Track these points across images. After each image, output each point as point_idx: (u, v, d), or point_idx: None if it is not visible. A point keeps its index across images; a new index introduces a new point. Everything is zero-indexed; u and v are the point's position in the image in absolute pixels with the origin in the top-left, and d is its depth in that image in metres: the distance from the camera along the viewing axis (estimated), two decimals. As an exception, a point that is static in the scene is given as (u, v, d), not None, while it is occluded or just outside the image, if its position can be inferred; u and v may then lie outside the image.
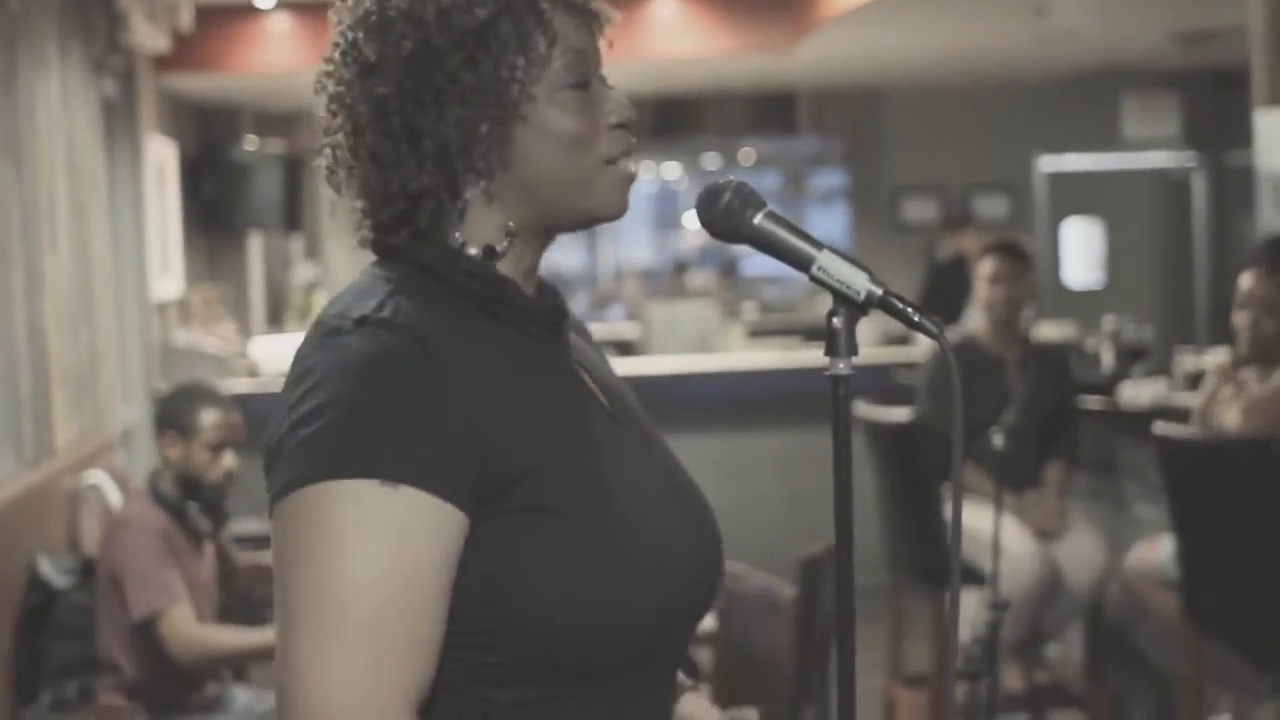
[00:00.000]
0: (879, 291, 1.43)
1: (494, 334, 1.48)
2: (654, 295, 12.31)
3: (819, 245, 1.46)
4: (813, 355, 8.22)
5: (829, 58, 8.89)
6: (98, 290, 6.22)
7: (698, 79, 9.95)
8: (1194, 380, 5.86)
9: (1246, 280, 4.52)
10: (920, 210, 11.14)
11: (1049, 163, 11.47)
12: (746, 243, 1.49)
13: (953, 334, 6.07)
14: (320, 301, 9.49)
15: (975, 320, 5.45)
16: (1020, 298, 5.28)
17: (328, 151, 1.52)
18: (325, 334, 1.42)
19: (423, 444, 1.35)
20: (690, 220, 14.24)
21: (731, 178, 1.52)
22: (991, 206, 11.20)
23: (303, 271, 10.27)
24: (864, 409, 5.48)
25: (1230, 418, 4.52)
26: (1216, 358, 5.30)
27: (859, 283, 1.43)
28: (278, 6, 7.90)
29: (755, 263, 14.08)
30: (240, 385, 7.53)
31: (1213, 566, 4.34)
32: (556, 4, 1.49)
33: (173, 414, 4.13)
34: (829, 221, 12.94)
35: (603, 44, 1.56)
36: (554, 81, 1.48)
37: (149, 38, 6.89)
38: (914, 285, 9.55)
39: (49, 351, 5.39)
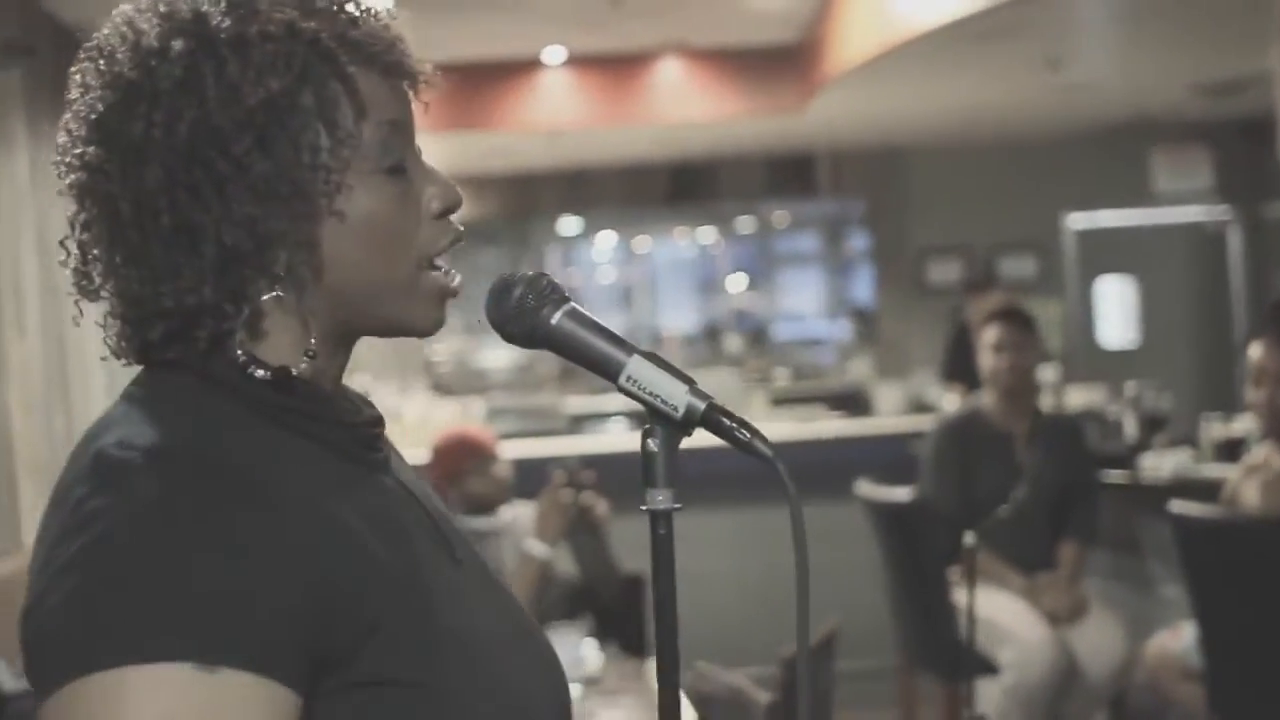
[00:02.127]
0: (701, 406, 1.15)
1: (310, 459, 1.23)
2: (689, 362, 12.13)
3: (629, 350, 1.21)
4: (831, 425, 8.02)
5: (842, 116, 8.68)
6: (74, 375, 6.00)
7: (710, 142, 9.77)
8: (1222, 450, 5.53)
9: (1255, 351, 4.19)
10: (945, 272, 10.86)
11: (1078, 220, 11.17)
12: (544, 347, 1.23)
13: (960, 406, 5.77)
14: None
15: (983, 393, 5.15)
16: (1026, 366, 4.99)
17: (74, 250, 1.25)
18: (106, 469, 1.14)
19: (246, 612, 1.09)
20: (733, 284, 14.11)
21: (527, 270, 1.26)
22: (1019, 267, 10.91)
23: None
24: (866, 488, 5.21)
25: (1249, 496, 4.18)
26: (1247, 427, 4.99)
27: (677, 396, 1.17)
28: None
29: (789, 327, 13.90)
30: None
31: (1237, 656, 4.02)
32: (363, 65, 1.24)
33: None
34: (855, 285, 12.71)
35: (417, 109, 1.30)
36: (365, 164, 1.23)
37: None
38: (939, 350, 9.25)
39: (13, 440, 5.16)
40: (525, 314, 1.24)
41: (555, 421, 9.51)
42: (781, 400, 9.84)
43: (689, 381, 1.19)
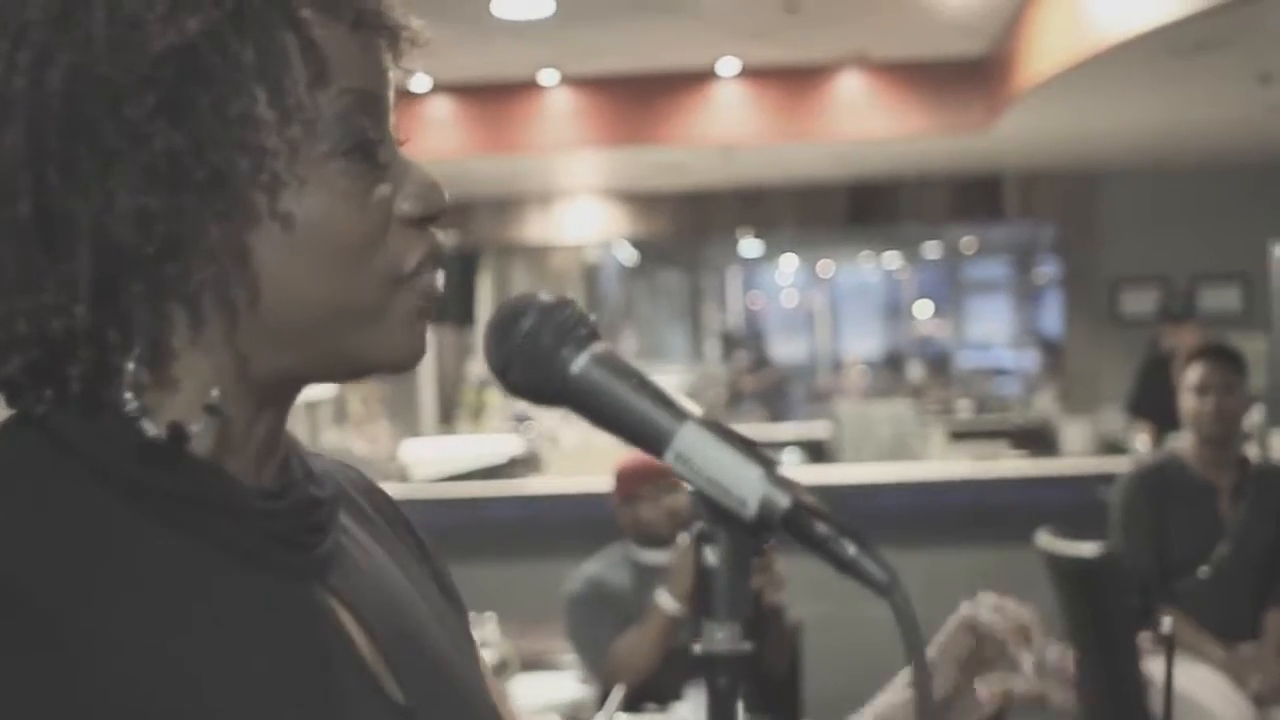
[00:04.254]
0: (784, 502, 0.76)
1: (176, 568, 0.88)
2: (869, 391, 11.79)
3: (680, 415, 0.81)
4: (1012, 464, 7.54)
5: (1032, 135, 8.21)
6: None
7: (892, 161, 9.35)
8: None
9: None
10: (1140, 302, 10.32)
11: (1288, 249, 10.48)
12: (559, 403, 0.86)
13: (1156, 452, 5.26)
14: (494, 401, 9.05)
15: (1182, 437, 4.65)
16: (1234, 411, 4.49)
17: None
18: None
19: None
20: (918, 310, 13.68)
21: (541, 295, 0.88)
22: (1221, 298, 10.30)
23: (476, 368, 9.83)
24: (1047, 540, 4.73)
25: None
26: None
27: (748, 485, 0.78)
28: (435, 90, 7.46)
29: (973, 356, 13.44)
30: (388, 490, 7.07)
31: None
32: (325, 12, 0.89)
33: None
34: (1043, 314, 12.18)
35: (399, 78, 0.94)
36: (320, 147, 0.88)
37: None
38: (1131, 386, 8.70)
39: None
40: (537, 358, 0.86)
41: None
42: (961, 434, 9.43)
43: (767, 464, 0.81)
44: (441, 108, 7.63)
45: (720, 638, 0.80)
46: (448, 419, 9.61)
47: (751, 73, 7.83)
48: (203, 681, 0.84)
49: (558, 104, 7.58)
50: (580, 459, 7.30)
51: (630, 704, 4.15)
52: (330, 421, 7.61)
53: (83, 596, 0.84)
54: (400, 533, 1.12)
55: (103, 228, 0.84)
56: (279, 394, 0.93)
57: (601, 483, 4.86)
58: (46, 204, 0.85)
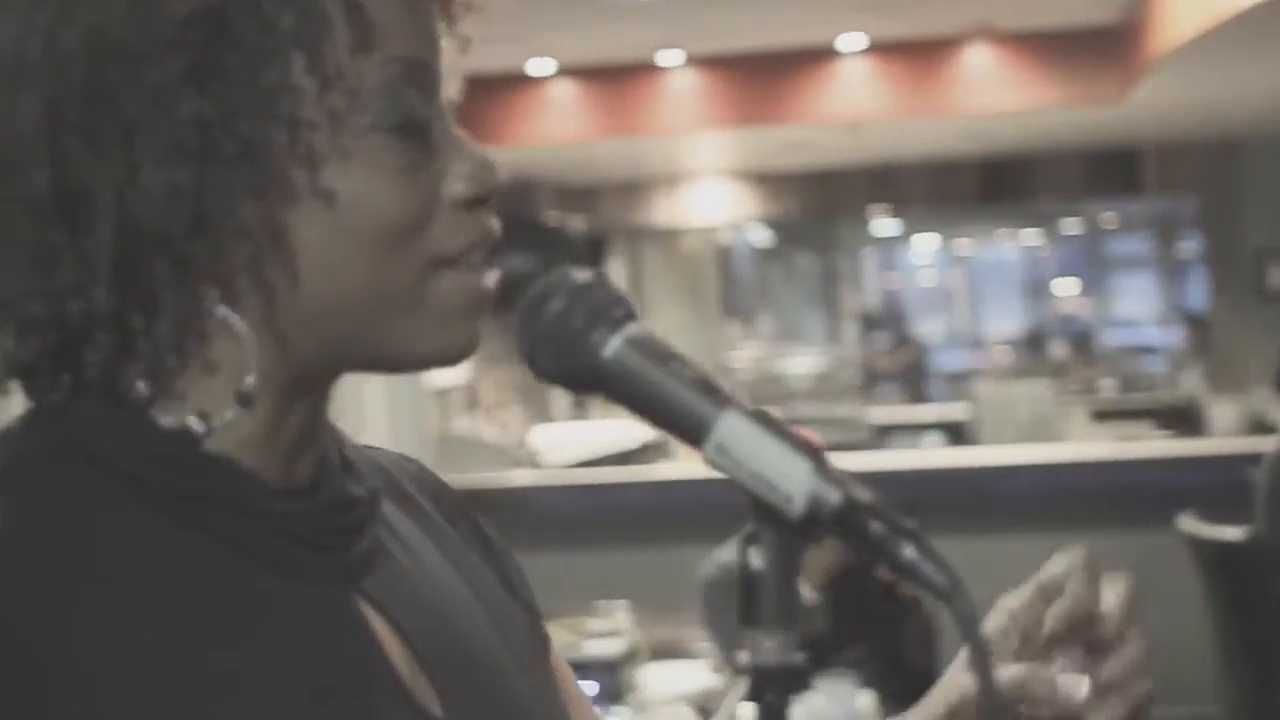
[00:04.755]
0: (835, 498, 0.68)
1: (193, 572, 0.82)
2: (1011, 371, 11.61)
3: (722, 402, 0.73)
4: (1157, 445, 7.33)
5: (1170, 105, 7.98)
6: (354, 379, 5.80)
7: (1024, 135, 9.16)
8: None
9: None
10: (1288, 275, 9.98)
11: None
12: (591, 391, 0.79)
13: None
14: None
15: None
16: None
17: None
18: None
19: None
20: (1060, 288, 13.43)
21: (574, 274, 0.81)
22: (1373, 270, 9.94)
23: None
24: (1190, 524, 4.58)
25: None
26: None
27: (795, 479, 0.70)
28: (558, 74, 7.42)
29: (1117, 334, 13.18)
30: (519, 477, 7.07)
31: None
32: None
33: None
34: (1188, 289, 11.89)
35: (453, 46, 0.87)
36: (363, 119, 0.81)
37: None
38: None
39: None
40: (567, 341, 0.79)
41: (858, 433, 9.06)
42: (1105, 414, 9.23)
43: (815, 457, 0.72)
44: (564, 91, 7.59)
45: (768, 648, 0.72)
46: (581, 404, 9.59)
47: (876, 47, 7.69)
48: (213, 701, 0.78)
49: (680, 84, 7.51)
50: (709, 444, 7.24)
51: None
52: (462, 408, 7.61)
53: (77, 619, 0.78)
54: (464, 531, 1.05)
55: (124, 203, 0.78)
56: (312, 385, 0.87)
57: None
58: (65, 177, 0.79)
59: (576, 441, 7.50)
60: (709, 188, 10.24)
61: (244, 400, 0.82)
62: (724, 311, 12.17)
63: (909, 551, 0.70)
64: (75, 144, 0.79)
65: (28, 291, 0.80)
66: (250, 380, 0.82)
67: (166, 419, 0.82)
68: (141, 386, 0.82)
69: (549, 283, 0.81)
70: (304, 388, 0.86)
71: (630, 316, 0.79)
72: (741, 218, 10.87)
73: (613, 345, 0.78)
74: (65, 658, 0.76)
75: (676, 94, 7.53)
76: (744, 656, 0.73)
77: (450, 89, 0.87)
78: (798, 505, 0.71)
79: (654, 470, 7.24)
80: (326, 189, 0.80)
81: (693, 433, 0.75)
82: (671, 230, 10.93)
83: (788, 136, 8.43)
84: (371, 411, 6.09)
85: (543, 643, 1.02)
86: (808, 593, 3.80)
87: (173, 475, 0.82)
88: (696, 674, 4.52)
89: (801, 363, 11.53)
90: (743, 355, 10.77)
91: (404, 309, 0.83)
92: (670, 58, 7.46)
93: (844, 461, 0.76)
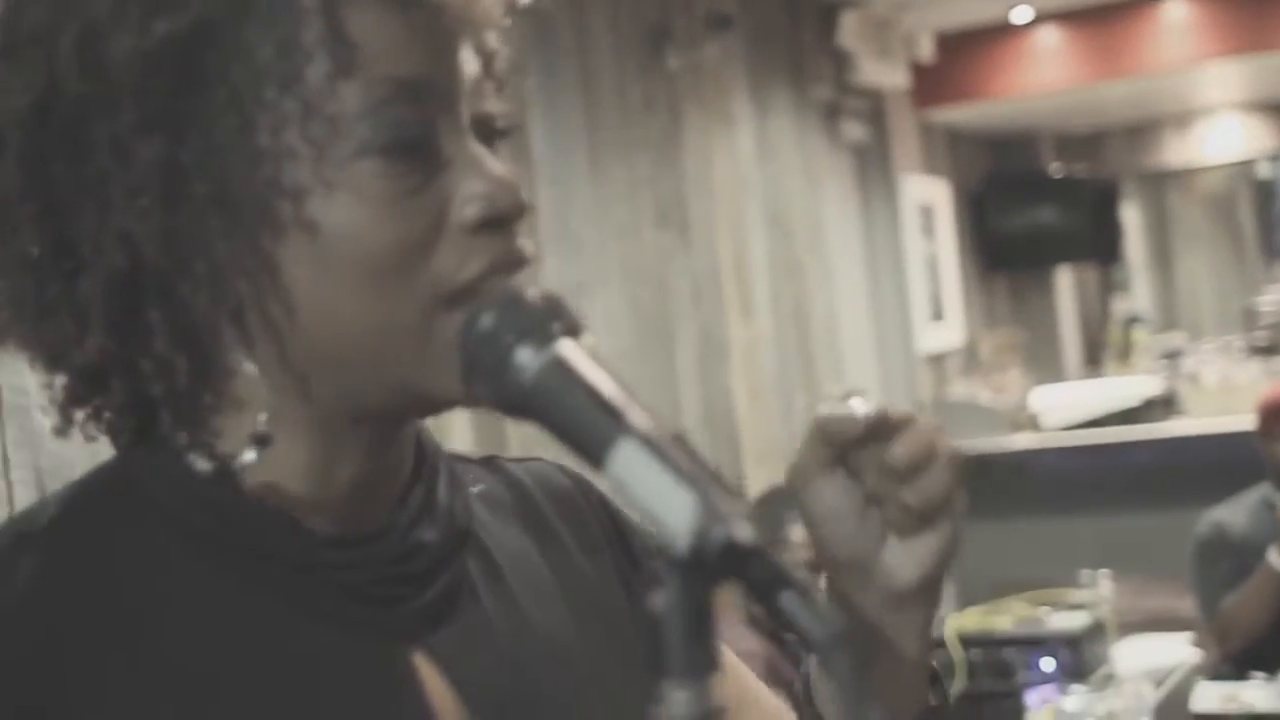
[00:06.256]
0: (721, 536, 0.60)
1: (228, 626, 0.82)
2: None
3: (623, 429, 0.65)
4: None
5: None
6: (820, 352, 5.79)
7: None
8: None
9: None
10: None
11: None
12: (517, 415, 0.73)
13: None
14: (1142, 340, 8.59)
15: None
16: None
17: None
18: None
19: None
20: None
21: (514, 289, 0.77)
22: None
23: (1121, 305, 9.35)
24: None
25: None
26: None
27: (679, 517, 0.61)
28: (1038, 20, 7.12)
29: None
30: (1019, 441, 6.86)
31: None
32: None
33: (761, 525, 3.52)
34: None
35: (475, 57, 0.83)
36: (347, 146, 0.78)
37: (883, 75, 6.42)
38: None
39: (738, 425, 5.01)
40: (492, 361, 0.73)
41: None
42: None
43: (709, 490, 0.63)
44: (1049, 38, 7.27)
45: (680, 699, 0.64)
46: (1094, 361, 9.18)
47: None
48: None
49: (1174, 17, 7.05)
50: (1221, 397, 6.78)
51: (1237, 671, 3.79)
52: (958, 372, 7.45)
53: (99, 675, 0.78)
54: (614, 553, 1.00)
55: (105, 253, 0.79)
56: (370, 423, 0.84)
57: (1243, 422, 4.47)
58: (50, 233, 0.80)
59: (1078, 401, 7.20)
60: (1224, 122, 9.59)
61: (260, 440, 0.81)
62: (1264, 252, 11.37)
63: (788, 599, 0.61)
64: (53, 201, 0.80)
65: (30, 343, 0.82)
66: (263, 418, 0.81)
67: (201, 463, 0.82)
68: (173, 429, 0.82)
69: (489, 298, 0.76)
70: (349, 429, 0.83)
71: (560, 333, 0.72)
72: (1259, 152, 10.10)
73: (536, 367, 0.71)
74: (85, 713, 0.77)
75: (1170, 28, 7.08)
76: (658, 711, 0.66)
77: (476, 105, 0.82)
78: (681, 544, 0.63)
79: (1161, 428, 6.87)
80: (310, 220, 0.77)
81: (594, 463, 0.67)
82: (1189, 170, 10.31)
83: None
84: (855, 378, 6.05)
85: None
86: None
87: (213, 521, 0.81)
88: (1173, 649, 4.25)
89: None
90: (1271, 299, 10.03)
91: (408, 346, 0.79)
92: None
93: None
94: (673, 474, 0.64)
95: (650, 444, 0.65)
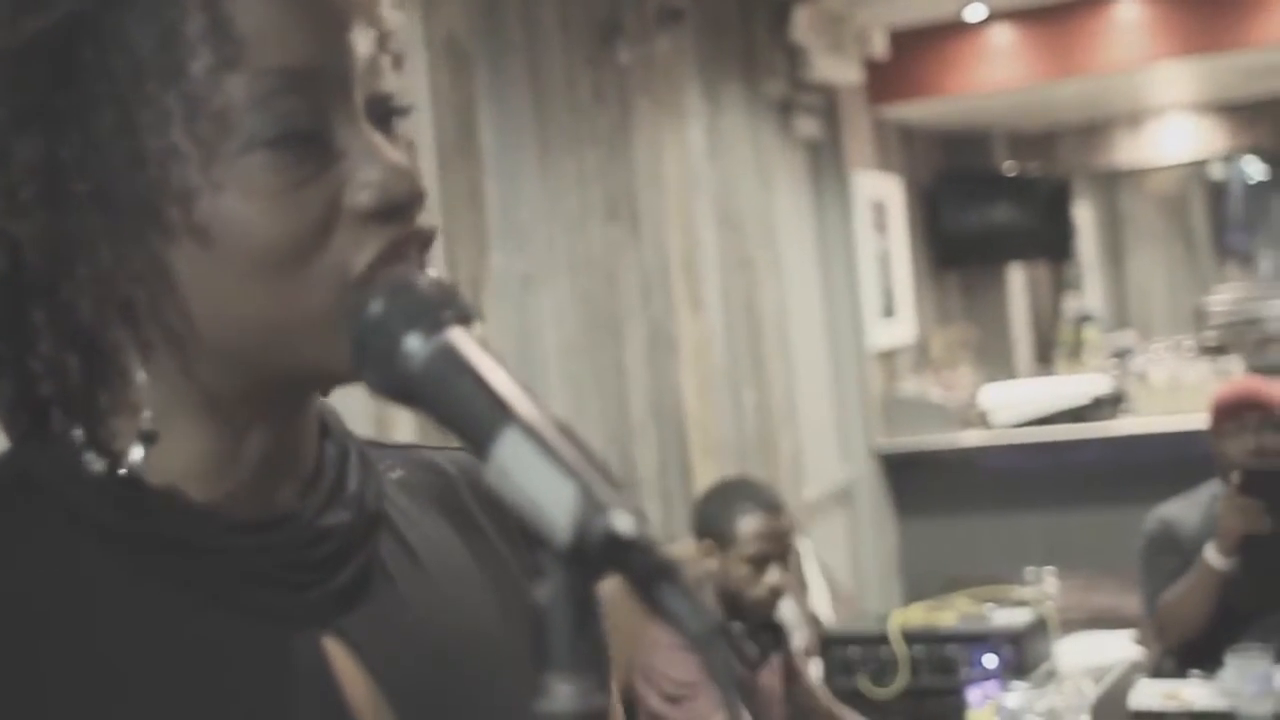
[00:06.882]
0: (601, 527, 0.59)
1: (133, 613, 0.81)
2: None
3: (507, 418, 0.64)
4: None
5: None
6: (770, 348, 5.79)
7: None
8: None
9: None
10: None
11: None
12: (404, 402, 0.71)
13: None
14: (1093, 338, 8.63)
15: None
16: None
17: None
18: None
19: None
20: None
21: (403, 274, 0.77)
22: None
23: (1073, 304, 9.39)
24: None
25: None
26: None
27: (560, 508, 0.61)
28: (991, 19, 7.14)
29: None
30: (968, 438, 6.88)
31: None
32: None
33: (709, 519, 3.52)
34: None
35: (367, 35, 0.81)
36: (235, 141, 0.76)
37: (837, 71, 6.43)
38: None
39: (687, 420, 5.00)
40: (381, 348, 0.72)
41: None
42: None
43: (591, 481, 0.63)
44: (1002, 36, 7.30)
45: (564, 693, 0.63)
46: (1045, 359, 9.22)
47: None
48: None
49: (1126, 17, 7.08)
50: (1169, 396, 6.81)
51: (1178, 669, 3.81)
52: (908, 370, 7.47)
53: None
54: (525, 553, 0.99)
55: None
56: (272, 409, 0.83)
57: (1192, 421, 4.50)
58: None
59: (1027, 399, 7.23)
60: (1174, 123, 9.65)
61: (146, 438, 0.80)
62: (1216, 252, 11.45)
63: (668, 591, 0.60)
64: None
65: None
66: (147, 416, 0.79)
67: (97, 463, 0.81)
68: (68, 427, 0.81)
69: (378, 284, 0.74)
70: (256, 414, 0.82)
71: (448, 322, 0.71)
72: (1212, 152, 10.16)
73: (423, 355, 0.70)
74: None
75: (1121, 28, 7.11)
76: (540, 705, 0.65)
77: (370, 86, 0.80)
78: (562, 536, 0.62)
79: (1109, 426, 6.90)
80: (199, 223, 0.75)
81: (479, 452, 0.66)
82: (1141, 170, 10.36)
83: (1253, 62, 7.82)
84: (793, 383, 6.06)
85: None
86: (1219, 559, 3.51)
87: (116, 513, 0.80)
88: (1116, 647, 4.28)
89: (1280, 305, 10.69)
90: (1221, 299, 10.09)
91: (318, 334, 0.77)
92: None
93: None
94: (556, 464, 0.63)
95: (535, 434, 0.64)
